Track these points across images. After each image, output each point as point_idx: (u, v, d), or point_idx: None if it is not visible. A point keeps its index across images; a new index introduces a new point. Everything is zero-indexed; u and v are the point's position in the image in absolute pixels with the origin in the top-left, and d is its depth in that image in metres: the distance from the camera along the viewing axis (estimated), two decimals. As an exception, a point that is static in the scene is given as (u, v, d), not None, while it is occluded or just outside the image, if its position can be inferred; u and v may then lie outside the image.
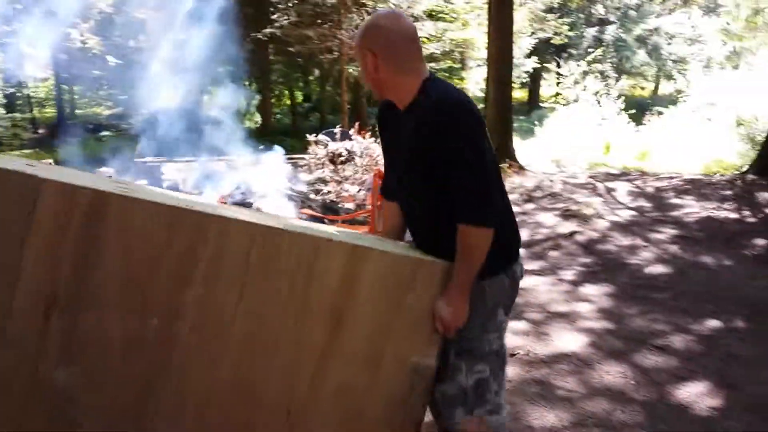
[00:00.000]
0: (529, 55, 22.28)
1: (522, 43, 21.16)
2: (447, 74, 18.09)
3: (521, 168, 10.09)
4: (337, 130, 10.03)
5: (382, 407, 1.88)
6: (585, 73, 17.88)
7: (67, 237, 1.61)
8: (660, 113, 15.27)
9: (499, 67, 9.38)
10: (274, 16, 12.68)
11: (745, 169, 9.20)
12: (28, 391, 1.65)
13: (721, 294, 4.65)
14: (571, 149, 12.96)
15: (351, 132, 10.22)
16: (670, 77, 25.77)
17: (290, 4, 12.45)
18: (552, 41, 21.02)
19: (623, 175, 9.84)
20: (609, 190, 8.29)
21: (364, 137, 11.25)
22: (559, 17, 20.76)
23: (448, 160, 1.80)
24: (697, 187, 8.10)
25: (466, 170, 1.78)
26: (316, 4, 12.39)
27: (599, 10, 26.07)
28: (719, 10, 21.94)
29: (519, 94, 26.81)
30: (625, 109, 14.95)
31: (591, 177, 9.57)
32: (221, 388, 1.78)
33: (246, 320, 1.75)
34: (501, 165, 8.79)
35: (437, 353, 1.89)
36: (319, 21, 13.00)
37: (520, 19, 17.81)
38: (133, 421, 1.73)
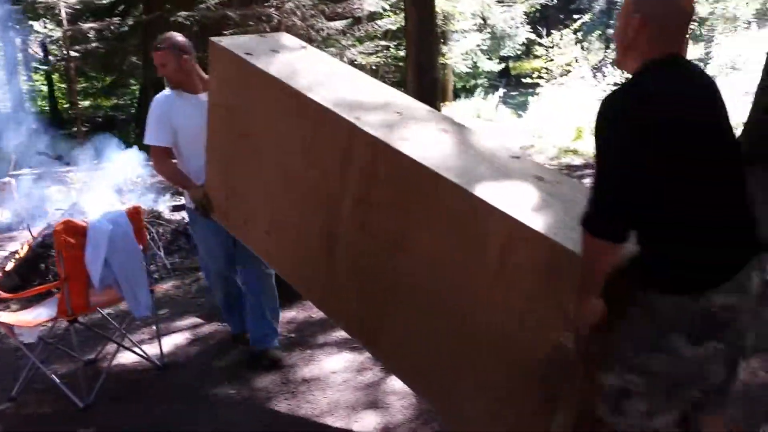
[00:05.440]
0: (533, 22, 20.02)
1: (516, 11, 19.02)
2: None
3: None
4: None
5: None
6: (581, 41, 15.65)
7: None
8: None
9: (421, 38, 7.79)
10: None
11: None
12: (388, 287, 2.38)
13: None
14: (546, 132, 10.98)
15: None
16: (697, 38, 23.11)
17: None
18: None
19: (584, 168, 7.98)
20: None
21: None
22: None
23: None
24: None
25: (596, 168, 1.71)
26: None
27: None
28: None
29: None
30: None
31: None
32: (421, 299, 2.28)
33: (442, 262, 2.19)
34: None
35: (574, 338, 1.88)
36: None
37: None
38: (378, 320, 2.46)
